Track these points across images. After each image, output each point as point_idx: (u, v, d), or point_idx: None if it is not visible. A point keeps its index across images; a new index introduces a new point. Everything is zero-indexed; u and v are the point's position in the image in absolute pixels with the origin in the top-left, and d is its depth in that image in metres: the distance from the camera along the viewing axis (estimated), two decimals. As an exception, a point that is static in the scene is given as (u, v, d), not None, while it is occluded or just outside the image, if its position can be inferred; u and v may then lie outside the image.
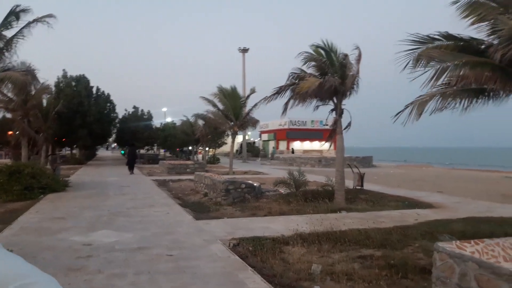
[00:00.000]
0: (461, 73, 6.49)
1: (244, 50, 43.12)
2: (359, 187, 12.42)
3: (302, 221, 7.72)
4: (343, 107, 11.45)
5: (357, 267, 5.02)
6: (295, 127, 40.95)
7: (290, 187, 10.86)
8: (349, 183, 12.16)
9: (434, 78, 6.46)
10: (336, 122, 11.27)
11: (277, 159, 33.89)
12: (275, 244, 5.98)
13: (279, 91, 13.05)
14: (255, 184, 11.47)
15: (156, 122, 41.21)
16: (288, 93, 13.20)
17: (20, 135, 17.54)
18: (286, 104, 13.23)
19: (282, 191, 11.36)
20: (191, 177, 17.66)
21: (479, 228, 6.95)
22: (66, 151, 40.45)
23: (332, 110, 11.53)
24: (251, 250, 5.73)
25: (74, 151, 37.50)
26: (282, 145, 42.58)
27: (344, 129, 11.31)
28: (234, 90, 24.99)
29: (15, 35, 14.24)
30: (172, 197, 11.77)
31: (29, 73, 16.63)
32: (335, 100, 11.60)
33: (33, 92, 18.45)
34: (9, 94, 17.04)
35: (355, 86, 11.63)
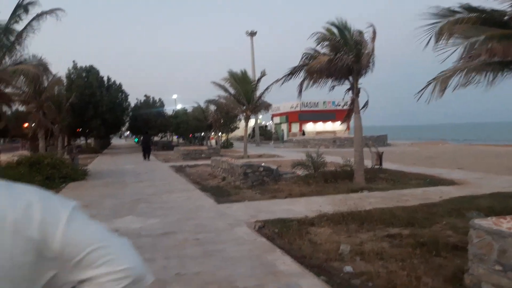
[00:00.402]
0: (488, 46, 6.28)
1: (252, 34, 42.60)
2: (378, 166, 12.28)
3: (324, 202, 7.68)
4: (359, 86, 11.27)
5: (386, 246, 4.96)
6: (307, 108, 40.55)
7: (309, 168, 10.78)
8: (367, 163, 12.02)
9: (465, 53, 6.26)
10: (353, 101, 11.10)
11: (290, 142, 33.74)
12: (301, 225, 5.95)
13: (293, 71, 12.87)
14: (272, 167, 11.42)
15: (168, 109, 41.32)
16: (302, 74, 13.05)
17: (37, 126, 17.74)
18: (301, 85, 13.07)
19: (300, 173, 11.30)
20: (207, 162, 17.72)
21: (507, 203, 6.81)
22: (81, 141, 40.93)
23: (349, 89, 11.35)
24: (277, 232, 5.71)
25: (89, 141, 37.92)
26: (295, 127, 42.32)
27: (361, 108, 11.15)
28: (244, 74, 24.81)
29: (25, 28, 14.26)
30: (191, 182, 11.82)
31: (40, 65, 16.73)
32: (351, 80, 11.42)
33: (46, 84, 18.61)
34: (24, 88, 17.21)
35: (370, 64, 11.41)
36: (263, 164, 11.59)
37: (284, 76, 12.76)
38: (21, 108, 20.99)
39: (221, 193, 9.54)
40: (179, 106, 45.73)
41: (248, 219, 6.62)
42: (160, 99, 38.69)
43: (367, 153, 12.38)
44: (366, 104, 11.14)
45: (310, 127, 41.69)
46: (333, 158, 15.15)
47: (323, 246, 5.05)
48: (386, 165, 13.01)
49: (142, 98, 38.10)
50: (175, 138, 47.38)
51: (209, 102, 28.98)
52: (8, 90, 16.71)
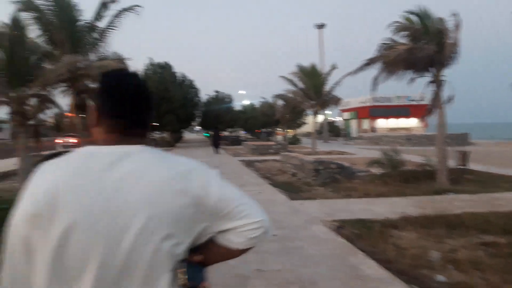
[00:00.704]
0: None
1: (320, 26, 41.85)
2: (462, 167, 11.31)
3: (406, 204, 7.21)
4: (443, 78, 10.51)
5: (482, 255, 4.49)
6: (378, 103, 38.77)
7: (385, 167, 10.23)
8: (449, 163, 11.12)
9: None
10: (436, 95, 10.34)
11: (360, 139, 32.60)
12: (382, 227, 5.62)
13: (368, 62, 12.33)
14: (345, 164, 11.05)
15: (236, 105, 42.09)
16: (378, 66, 12.45)
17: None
18: (376, 77, 12.49)
19: (376, 172, 10.77)
20: (275, 157, 17.73)
21: None
22: (156, 135, 43.25)
23: (431, 82, 10.61)
24: (357, 233, 5.45)
25: (164, 135, 39.91)
26: (365, 123, 40.74)
27: (445, 103, 10.37)
28: (313, 67, 24.42)
29: (108, 26, 15.23)
30: (261, 176, 11.85)
31: (120, 62, 17.81)
32: (432, 71, 10.70)
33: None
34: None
35: (455, 55, 10.59)
36: (338, 161, 11.27)
37: (360, 67, 12.26)
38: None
39: (293, 189, 9.42)
40: (247, 102, 46.38)
41: (324, 217, 6.43)
42: (229, 95, 39.52)
43: (449, 153, 11.47)
44: (450, 98, 10.31)
45: (381, 123, 39.89)
46: (410, 157, 14.31)
47: (409, 251, 4.71)
48: (471, 165, 11.96)
49: (212, 93, 39.20)
50: (241, 133, 48.24)
51: (277, 97, 28.94)
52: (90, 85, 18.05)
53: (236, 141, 34.44)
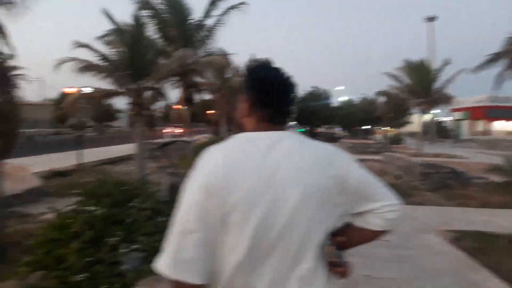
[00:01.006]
0: None
1: (431, 19, 38.76)
2: None
3: (538, 219, 6.22)
4: None
5: None
6: (496, 104, 34.30)
7: (509, 175, 8.98)
8: None
9: None
10: None
11: (473, 141, 29.39)
12: (510, 243, 4.91)
13: (493, 58, 11.01)
14: (459, 169, 10.01)
15: (333, 101, 41.04)
16: (502, 62, 11.06)
17: (221, 114, 19.87)
18: (501, 74, 11.11)
19: (496, 180, 9.53)
20: (374, 157, 16.87)
21: None
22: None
23: None
24: (477, 247, 4.84)
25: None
26: (479, 125, 36.51)
27: None
28: (422, 62, 22.68)
29: (215, 23, 15.96)
30: (362, 177, 11.34)
31: (225, 57, 18.54)
32: None
33: (229, 75, 20.55)
34: (210, 78, 19.39)
35: None
36: (446, 165, 10.26)
37: (481, 64, 11.01)
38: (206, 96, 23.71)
39: (399, 193, 8.71)
40: (345, 98, 44.94)
41: (437, 226, 5.87)
42: (327, 91, 38.65)
43: None
44: None
45: (498, 125, 35.38)
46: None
47: (548, 275, 4.01)
48: None
49: (309, 89, 38.70)
50: (336, 129, 46.95)
51: (380, 93, 27.44)
52: (197, 79, 19.12)
53: (332, 138, 33.67)
